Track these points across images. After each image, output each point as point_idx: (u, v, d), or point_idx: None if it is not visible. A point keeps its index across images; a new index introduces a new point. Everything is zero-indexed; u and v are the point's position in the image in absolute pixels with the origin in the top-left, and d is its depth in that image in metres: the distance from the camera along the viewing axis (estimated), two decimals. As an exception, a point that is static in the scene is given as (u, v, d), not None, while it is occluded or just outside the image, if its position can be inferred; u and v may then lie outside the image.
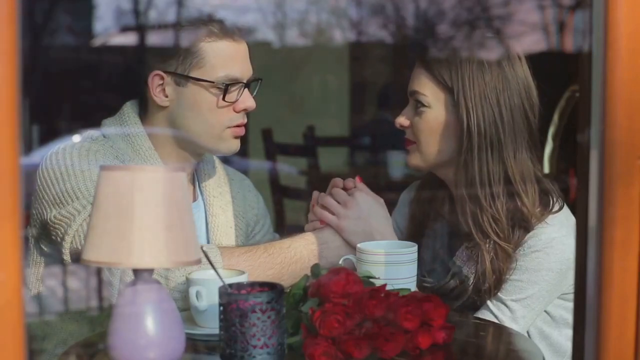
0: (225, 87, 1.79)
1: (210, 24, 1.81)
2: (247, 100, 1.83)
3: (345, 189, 1.85)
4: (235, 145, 1.85)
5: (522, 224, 1.76)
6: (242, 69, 1.83)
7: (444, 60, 1.80)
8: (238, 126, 1.84)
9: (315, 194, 1.88)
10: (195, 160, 1.89)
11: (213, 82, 1.79)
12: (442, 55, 1.87)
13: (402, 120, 1.85)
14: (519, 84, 1.78)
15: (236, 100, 1.81)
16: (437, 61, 1.81)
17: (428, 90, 1.80)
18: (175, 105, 1.81)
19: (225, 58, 1.80)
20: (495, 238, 1.76)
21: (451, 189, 1.86)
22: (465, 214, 1.79)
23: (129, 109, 1.88)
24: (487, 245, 1.77)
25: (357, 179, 1.87)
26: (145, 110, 1.87)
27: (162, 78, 1.80)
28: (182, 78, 1.79)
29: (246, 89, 1.83)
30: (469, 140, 1.76)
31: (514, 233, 1.77)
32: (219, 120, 1.81)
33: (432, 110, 1.80)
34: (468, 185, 1.78)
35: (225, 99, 1.80)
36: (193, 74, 1.79)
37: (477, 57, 1.79)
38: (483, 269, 1.77)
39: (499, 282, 1.76)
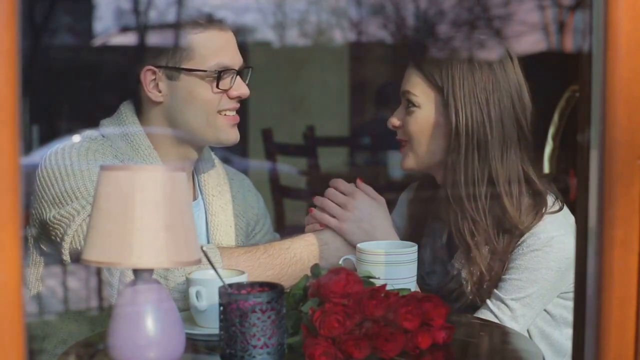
0: (218, 75, 1.80)
1: (195, 16, 1.82)
2: (240, 87, 1.84)
3: (344, 193, 1.85)
4: (234, 134, 1.86)
5: (506, 227, 1.76)
6: (232, 56, 1.84)
7: (435, 60, 1.81)
8: (232, 111, 1.84)
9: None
10: (196, 154, 1.90)
11: (205, 71, 1.80)
12: (434, 56, 1.88)
13: (393, 121, 1.86)
14: (510, 85, 1.78)
15: (229, 88, 1.82)
16: (428, 61, 1.82)
17: (419, 90, 1.81)
18: (170, 100, 1.82)
19: (214, 47, 1.81)
20: (469, 239, 1.76)
21: (442, 190, 1.86)
22: (448, 214, 1.80)
23: (127, 109, 1.88)
24: (470, 250, 1.77)
25: (358, 180, 1.87)
26: (140, 108, 1.87)
27: (154, 73, 1.81)
28: (174, 71, 1.80)
29: (239, 77, 1.84)
30: (457, 140, 1.77)
31: (498, 236, 1.77)
32: (213, 108, 1.82)
33: (422, 110, 1.81)
34: (455, 186, 1.78)
35: (219, 87, 1.80)
36: (184, 66, 1.79)
37: (468, 58, 1.80)
38: (470, 271, 1.77)
39: (480, 285, 1.77)
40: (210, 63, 1.80)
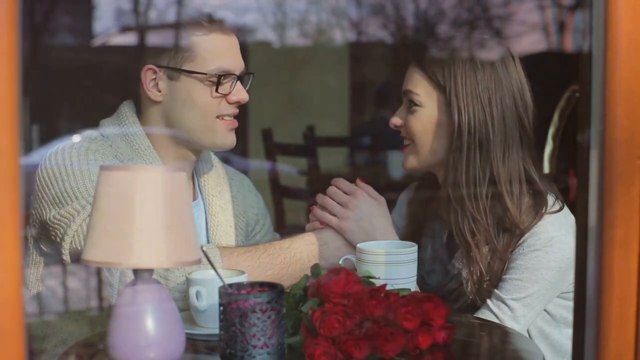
0: (218, 79, 1.80)
1: (199, 18, 1.82)
2: (239, 92, 1.84)
3: (346, 192, 1.85)
4: (231, 139, 1.85)
5: (507, 226, 1.76)
6: (234, 61, 1.83)
7: (437, 59, 1.81)
8: (230, 117, 1.84)
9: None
10: (195, 157, 1.89)
11: (205, 74, 1.79)
12: (436, 55, 1.88)
13: (395, 120, 1.86)
14: (512, 84, 1.78)
15: (229, 93, 1.82)
16: (430, 60, 1.82)
17: (421, 89, 1.80)
18: (169, 100, 1.82)
19: (216, 50, 1.81)
20: (470, 238, 1.76)
21: (443, 189, 1.86)
22: (449, 213, 1.80)
23: (127, 109, 1.88)
24: (470, 249, 1.77)
25: (359, 179, 1.87)
26: (140, 107, 1.87)
27: (155, 72, 1.81)
28: (174, 71, 1.80)
29: (239, 82, 1.84)
30: (460, 139, 1.76)
31: (498, 235, 1.77)
32: (212, 112, 1.81)
33: (424, 110, 1.81)
34: (456, 185, 1.78)
35: (218, 91, 1.80)
36: (185, 67, 1.79)
37: (470, 57, 1.79)
38: (471, 270, 1.77)
39: (481, 285, 1.77)
40: (211, 66, 1.80)
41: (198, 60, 1.80)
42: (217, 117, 1.82)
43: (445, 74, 1.78)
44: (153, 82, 1.82)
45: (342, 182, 1.86)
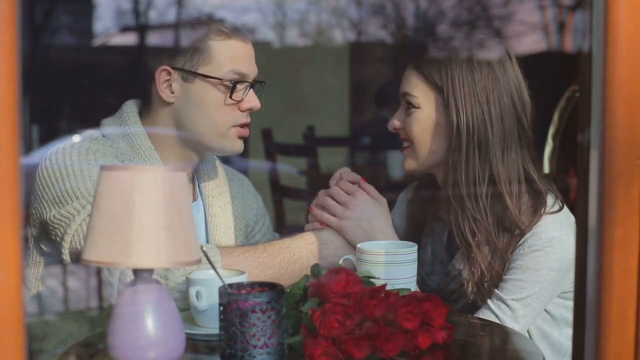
0: (233, 85, 1.80)
1: (220, 24, 1.83)
2: (252, 99, 1.84)
3: (346, 192, 1.85)
4: (239, 145, 1.86)
5: (507, 225, 1.76)
6: (249, 67, 1.84)
7: (434, 61, 1.81)
8: (242, 126, 1.84)
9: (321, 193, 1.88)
10: (198, 159, 1.90)
11: (221, 79, 1.79)
12: (432, 56, 1.88)
13: (394, 123, 1.86)
14: (510, 83, 1.78)
15: (242, 100, 1.82)
16: (427, 62, 1.82)
17: (418, 91, 1.80)
18: (181, 102, 1.82)
19: (233, 55, 1.81)
20: (470, 239, 1.76)
21: (443, 190, 1.86)
22: (449, 214, 1.80)
23: (129, 108, 1.88)
24: (471, 249, 1.77)
25: (362, 179, 1.87)
26: (148, 107, 1.87)
27: (169, 74, 1.81)
28: (189, 74, 1.80)
29: (251, 90, 1.84)
30: (458, 139, 1.76)
31: (498, 235, 1.77)
32: (224, 119, 1.81)
33: (422, 111, 1.81)
34: (456, 185, 1.78)
35: (232, 97, 1.80)
36: (200, 71, 1.79)
37: (467, 57, 1.79)
38: (471, 271, 1.77)
39: (481, 285, 1.76)
40: (226, 69, 1.80)
41: (214, 64, 1.80)
42: (232, 126, 1.83)
43: (442, 75, 1.78)
44: (166, 83, 1.81)
45: (344, 184, 1.86)
